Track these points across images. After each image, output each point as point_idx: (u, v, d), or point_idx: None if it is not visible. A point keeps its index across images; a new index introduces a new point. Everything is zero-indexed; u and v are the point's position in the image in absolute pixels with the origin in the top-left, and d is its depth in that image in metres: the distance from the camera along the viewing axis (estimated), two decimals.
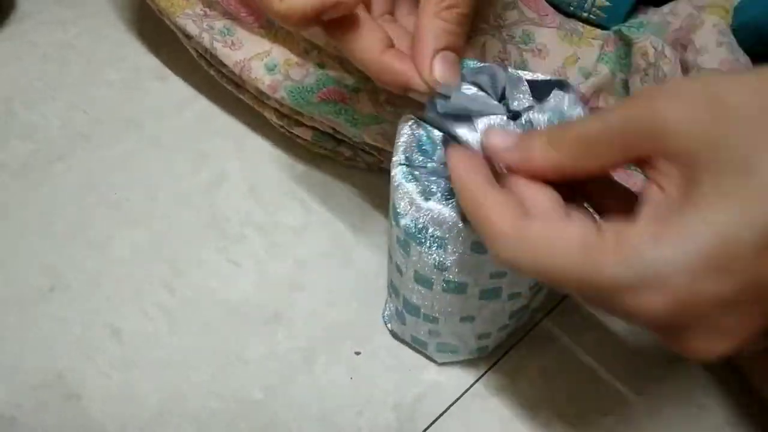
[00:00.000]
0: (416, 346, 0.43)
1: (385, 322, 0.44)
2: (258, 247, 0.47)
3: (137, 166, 0.51)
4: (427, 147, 0.34)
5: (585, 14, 0.43)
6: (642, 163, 0.24)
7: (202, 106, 0.55)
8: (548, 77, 0.33)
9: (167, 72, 0.57)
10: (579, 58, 0.43)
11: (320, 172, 0.51)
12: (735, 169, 0.21)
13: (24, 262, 0.46)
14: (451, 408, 0.42)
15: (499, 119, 0.31)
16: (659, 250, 0.22)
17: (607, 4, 0.42)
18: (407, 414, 0.41)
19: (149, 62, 0.57)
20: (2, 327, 0.44)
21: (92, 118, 0.54)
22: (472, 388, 0.42)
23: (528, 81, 0.32)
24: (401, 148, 0.34)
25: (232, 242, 0.48)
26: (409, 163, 0.33)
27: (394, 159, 0.34)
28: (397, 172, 0.33)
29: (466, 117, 0.31)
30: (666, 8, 0.44)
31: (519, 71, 0.34)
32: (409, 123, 0.34)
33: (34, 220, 0.48)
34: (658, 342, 0.25)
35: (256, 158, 0.52)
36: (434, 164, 0.33)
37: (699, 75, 0.39)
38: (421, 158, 0.33)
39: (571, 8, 0.43)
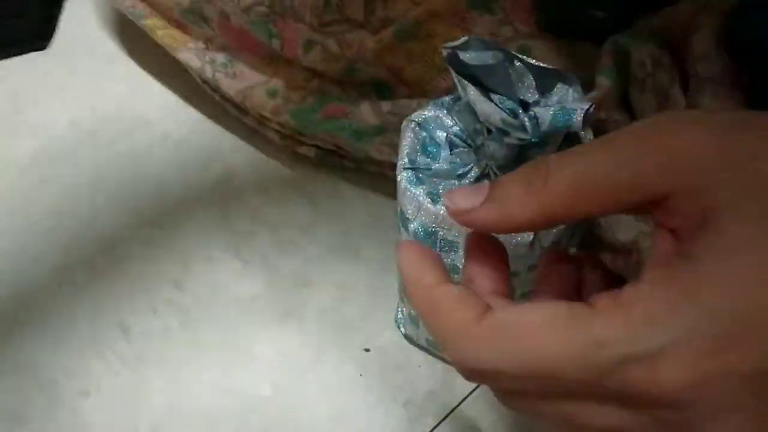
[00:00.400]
0: (431, 348, 0.43)
1: (398, 325, 0.44)
2: (268, 245, 0.48)
3: (146, 163, 0.51)
4: (431, 148, 0.34)
5: (579, 34, 0.43)
6: (650, 206, 0.20)
7: (210, 103, 0.55)
8: (551, 67, 0.33)
9: (175, 71, 0.57)
10: (577, 69, 0.43)
11: (328, 170, 0.51)
12: (763, 219, 0.18)
13: (33, 259, 0.46)
14: (461, 405, 0.42)
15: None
16: (672, 319, 0.18)
17: (600, 25, 0.43)
18: (417, 410, 0.41)
19: (156, 61, 0.57)
20: (12, 324, 0.44)
21: (100, 116, 0.54)
22: (482, 385, 0.42)
23: (532, 70, 0.32)
24: (405, 151, 0.34)
25: (242, 240, 0.48)
26: (413, 166, 0.33)
27: (399, 163, 0.34)
28: (403, 177, 0.33)
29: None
30: (667, 11, 0.44)
31: (524, 58, 0.34)
32: (411, 126, 0.34)
33: (42, 217, 0.48)
34: None
35: (266, 156, 0.52)
36: (439, 165, 0.33)
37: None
38: (426, 160, 0.34)
39: (566, 32, 0.43)
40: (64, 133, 0.53)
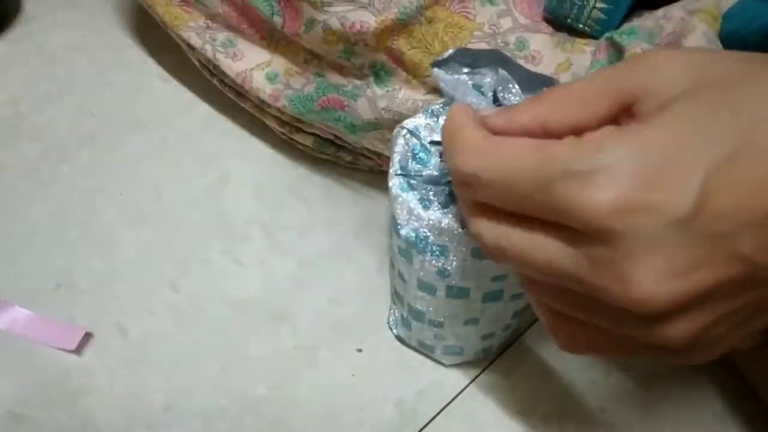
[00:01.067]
0: (423, 350, 0.43)
1: (390, 327, 0.45)
2: (262, 247, 0.48)
3: (144, 166, 0.52)
4: (422, 155, 0.35)
5: (581, 26, 0.44)
6: (624, 113, 0.23)
7: (206, 107, 0.55)
8: (538, 72, 0.34)
9: (172, 74, 0.58)
10: (572, 64, 0.44)
11: (322, 173, 0.52)
12: (714, 101, 0.21)
13: (32, 261, 0.47)
14: (452, 404, 0.42)
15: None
16: (615, 148, 0.20)
17: (602, 16, 0.43)
18: (409, 409, 0.42)
19: (154, 64, 0.58)
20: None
21: (99, 120, 0.55)
22: (472, 384, 0.43)
23: (520, 74, 0.33)
24: (396, 158, 0.35)
25: (238, 242, 0.49)
26: (405, 172, 0.34)
27: (390, 170, 0.34)
28: (394, 184, 0.34)
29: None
30: (660, 12, 0.45)
31: (513, 61, 0.34)
32: (403, 133, 0.35)
33: (42, 220, 0.49)
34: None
35: (260, 159, 0.53)
36: (430, 172, 0.34)
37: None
38: (417, 167, 0.34)
39: (569, 21, 0.44)
40: (63, 137, 0.54)
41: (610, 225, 0.20)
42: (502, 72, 0.33)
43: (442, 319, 0.38)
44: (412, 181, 0.34)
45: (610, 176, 0.20)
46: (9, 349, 0.43)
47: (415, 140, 0.35)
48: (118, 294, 0.46)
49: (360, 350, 0.44)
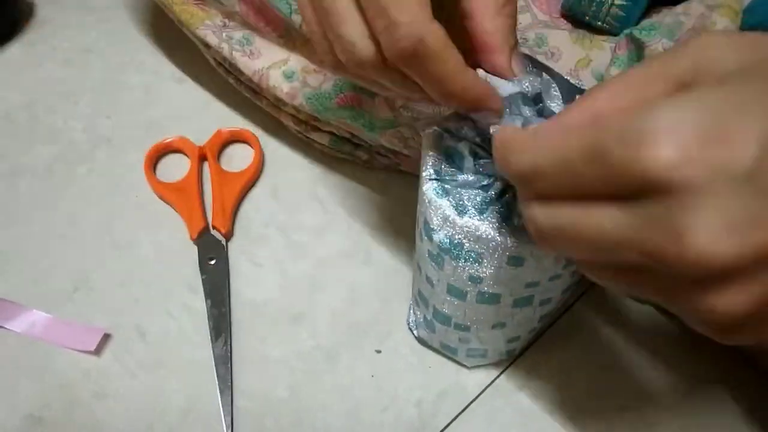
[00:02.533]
0: (445, 352, 0.43)
1: (410, 328, 0.44)
2: (280, 248, 0.48)
3: (160, 167, 0.52)
4: (456, 158, 0.33)
5: (599, 23, 0.43)
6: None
7: (221, 106, 0.55)
8: (574, 81, 0.33)
9: (185, 75, 0.57)
10: (591, 60, 0.43)
11: (338, 173, 0.52)
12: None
13: (49, 263, 0.47)
14: (473, 404, 0.42)
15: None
16: (671, 108, 0.20)
17: (621, 13, 0.43)
18: (429, 410, 0.42)
19: (167, 66, 0.58)
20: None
21: (114, 122, 0.55)
22: (493, 385, 0.43)
23: (560, 83, 0.32)
24: (429, 162, 0.33)
25: (255, 243, 0.48)
26: (438, 176, 0.33)
27: (423, 174, 0.33)
28: (428, 188, 0.32)
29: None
30: (679, 8, 0.44)
31: (552, 69, 0.34)
32: (435, 135, 0.34)
33: (58, 222, 0.49)
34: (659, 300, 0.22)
35: (277, 160, 0.53)
36: (464, 176, 0.33)
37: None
38: (450, 170, 0.33)
39: (587, 18, 0.43)
40: (79, 139, 0.54)
41: (669, 177, 0.19)
42: (546, 77, 0.32)
43: (469, 324, 0.38)
44: (447, 186, 0.32)
45: (668, 133, 0.19)
46: (28, 352, 0.43)
47: (448, 143, 0.34)
48: (137, 296, 0.46)
49: (379, 351, 0.44)
